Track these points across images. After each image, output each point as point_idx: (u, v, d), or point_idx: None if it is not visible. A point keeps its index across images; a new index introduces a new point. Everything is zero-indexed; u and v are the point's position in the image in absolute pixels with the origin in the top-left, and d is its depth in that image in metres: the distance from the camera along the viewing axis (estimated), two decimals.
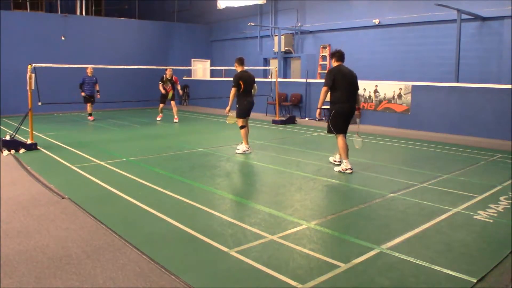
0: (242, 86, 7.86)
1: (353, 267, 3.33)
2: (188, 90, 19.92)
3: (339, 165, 6.77)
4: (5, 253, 3.56)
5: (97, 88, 13.15)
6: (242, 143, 8.15)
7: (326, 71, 15.65)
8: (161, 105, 13.67)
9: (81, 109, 13.64)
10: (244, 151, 8.01)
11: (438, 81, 11.48)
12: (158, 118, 13.59)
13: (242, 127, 8.05)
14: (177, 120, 13.18)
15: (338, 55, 6.70)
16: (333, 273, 3.22)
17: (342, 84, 6.46)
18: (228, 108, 8.09)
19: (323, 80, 16.08)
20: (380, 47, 14.28)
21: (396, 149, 8.91)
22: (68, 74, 14.79)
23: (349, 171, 6.45)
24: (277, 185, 5.90)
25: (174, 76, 13.30)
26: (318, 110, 6.75)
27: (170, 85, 13.23)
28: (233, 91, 7.84)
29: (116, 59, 16.75)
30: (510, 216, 4.54)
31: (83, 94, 12.97)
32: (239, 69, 8.05)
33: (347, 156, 6.52)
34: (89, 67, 12.93)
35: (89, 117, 13.45)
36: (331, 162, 7.12)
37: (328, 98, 6.59)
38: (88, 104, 13.22)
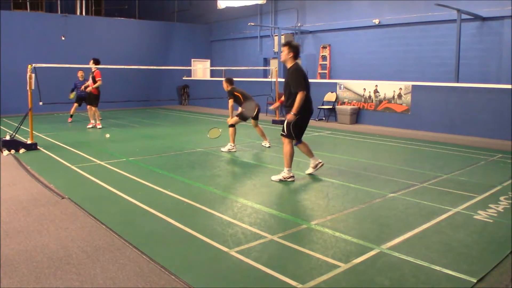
0: (241, 97, 8.20)
1: (353, 267, 3.33)
2: (188, 90, 19.93)
3: (322, 165, 6.32)
4: (5, 253, 3.56)
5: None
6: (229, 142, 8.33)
7: (326, 71, 15.77)
8: (87, 107, 11.88)
9: (81, 109, 13.61)
10: (229, 149, 8.21)
11: (438, 81, 11.49)
12: (98, 126, 11.60)
13: (231, 126, 8.25)
14: (99, 126, 11.60)
15: (296, 51, 5.80)
16: (333, 273, 3.22)
17: (307, 86, 5.74)
18: (230, 118, 8.37)
19: (323, 80, 16.04)
20: (380, 47, 14.28)
21: (396, 149, 8.91)
22: (68, 74, 14.78)
23: (291, 179, 5.97)
24: (277, 185, 5.90)
25: (96, 69, 11.26)
26: (293, 117, 5.72)
27: (91, 79, 11.40)
28: (230, 102, 8.21)
29: (116, 59, 16.74)
30: (510, 216, 4.54)
31: (71, 96, 12.75)
32: (230, 87, 8.34)
33: (290, 164, 5.97)
34: (80, 72, 12.60)
35: (70, 119, 13.04)
36: (310, 173, 6.37)
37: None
38: (75, 105, 12.76)
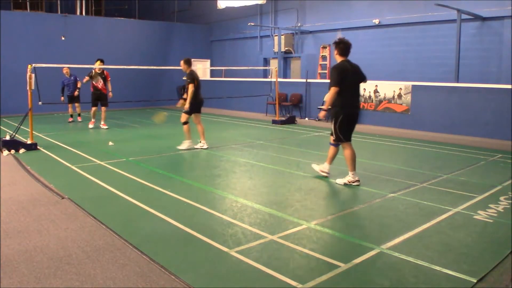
0: (196, 83, 8.21)
1: (353, 267, 3.33)
2: None
3: (327, 177, 6.13)
4: (5, 253, 3.56)
5: (79, 85, 12.67)
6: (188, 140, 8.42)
7: (326, 71, 15.76)
8: (93, 109, 11.64)
9: (81, 109, 13.60)
10: (188, 146, 8.32)
11: (438, 81, 11.48)
12: (90, 125, 11.66)
13: (185, 123, 8.31)
14: (105, 127, 11.57)
15: (342, 48, 5.69)
16: (333, 273, 3.22)
17: (349, 84, 5.66)
18: (187, 105, 8.24)
19: (323, 80, 16.04)
20: (380, 47, 14.28)
21: (396, 149, 8.91)
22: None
23: (357, 183, 5.77)
24: (277, 185, 5.90)
25: (105, 70, 11.47)
26: (323, 112, 5.79)
27: (101, 81, 11.43)
28: (191, 87, 8.12)
29: (116, 59, 16.74)
30: (510, 216, 4.54)
31: (62, 98, 12.58)
32: (189, 70, 8.38)
33: (354, 167, 5.80)
34: (65, 68, 12.41)
35: (73, 118, 12.89)
36: (315, 170, 6.26)
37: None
38: (76, 104, 12.76)
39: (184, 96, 8.41)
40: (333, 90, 5.56)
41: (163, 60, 18.96)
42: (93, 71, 11.34)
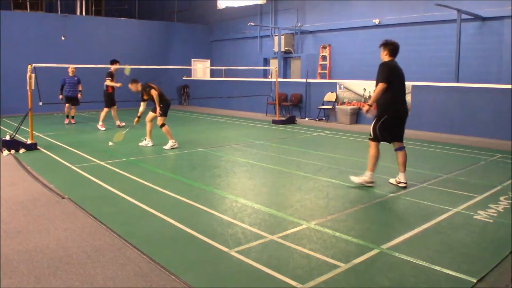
0: (158, 90, 8.47)
1: (353, 267, 3.33)
2: (188, 90, 19.94)
3: (405, 187, 5.62)
4: (5, 253, 3.56)
5: (80, 88, 12.50)
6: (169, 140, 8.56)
7: (326, 71, 15.77)
8: (105, 110, 11.37)
9: (80, 109, 13.60)
10: (171, 146, 8.45)
11: (438, 81, 11.48)
12: (101, 128, 11.22)
13: (163, 125, 8.48)
14: (103, 129, 11.24)
15: (392, 49, 5.63)
16: (333, 273, 3.22)
17: (398, 84, 5.47)
18: (157, 108, 8.49)
19: (323, 80, 16.00)
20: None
21: None
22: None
23: (371, 184, 5.62)
24: (277, 185, 5.90)
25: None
26: (369, 107, 5.41)
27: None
28: (154, 94, 8.35)
29: (116, 59, 16.73)
30: (510, 216, 4.54)
31: (60, 97, 12.35)
32: (139, 85, 8.67)
33: (373, 168, 5.61)
34: (71, 66, 12.28)
35: (69, 120, 12.53)
36: (392, 183, 5.80)
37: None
38: (72, 106, 12.46)
39: (140, 110, 8.73)
40: (381, 86, 5.32)
41: (163, 60, 18.96)
42: (113, 71, 11.36)
